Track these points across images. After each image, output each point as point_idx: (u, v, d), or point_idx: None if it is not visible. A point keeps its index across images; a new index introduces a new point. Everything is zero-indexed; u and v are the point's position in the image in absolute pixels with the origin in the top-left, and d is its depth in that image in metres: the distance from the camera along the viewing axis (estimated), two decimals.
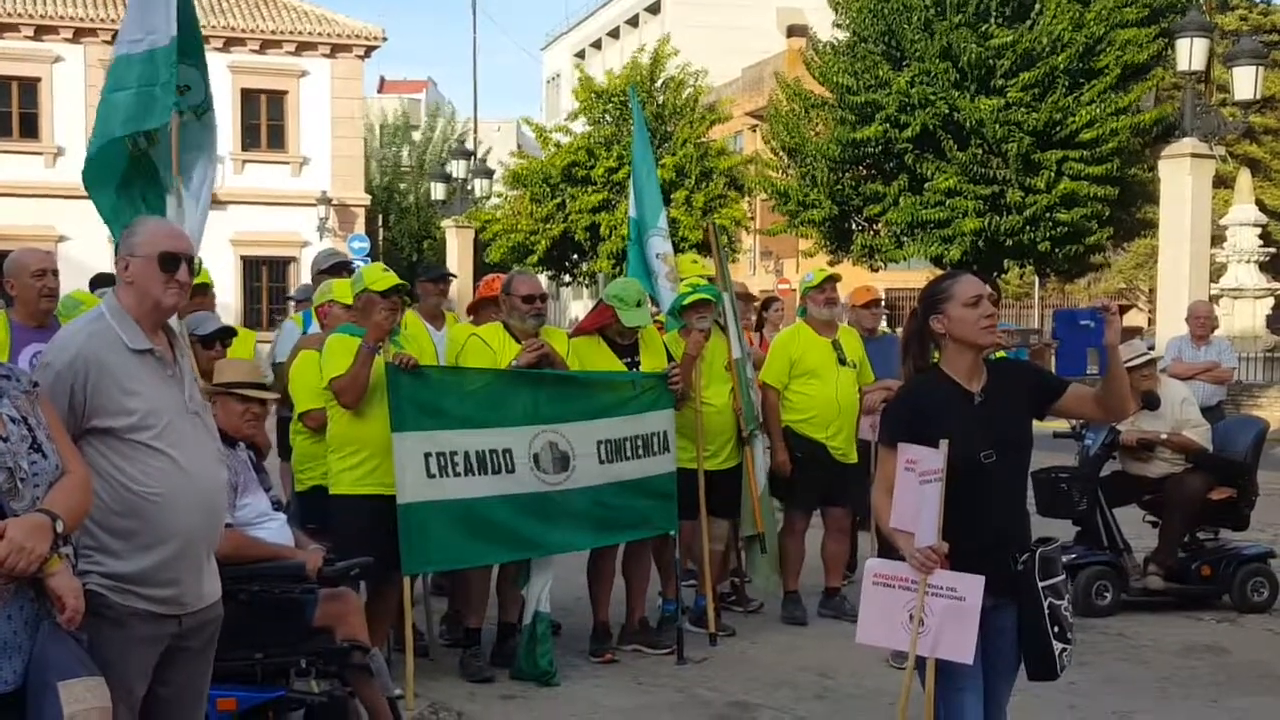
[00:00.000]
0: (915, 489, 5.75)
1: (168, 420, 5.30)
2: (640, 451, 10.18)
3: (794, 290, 49.96)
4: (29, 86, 45.49)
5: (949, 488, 5.73)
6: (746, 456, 11.08)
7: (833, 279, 11.66)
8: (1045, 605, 5.93)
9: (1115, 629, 11.15)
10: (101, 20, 45.36)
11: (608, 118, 41.88)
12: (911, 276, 39.16)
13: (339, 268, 12.09)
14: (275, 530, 7.56)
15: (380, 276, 9.19)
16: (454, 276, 12.87)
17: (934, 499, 5.72)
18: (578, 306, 66.28)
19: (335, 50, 47.95)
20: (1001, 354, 6.22)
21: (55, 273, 8.77)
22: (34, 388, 4.90)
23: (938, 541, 5.75)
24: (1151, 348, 13.98)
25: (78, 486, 4.82)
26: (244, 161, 46.03)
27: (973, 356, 6.02)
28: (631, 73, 41.59)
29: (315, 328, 10.92)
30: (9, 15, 44.64)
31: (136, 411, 5.23)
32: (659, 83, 41.95)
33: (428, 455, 9.16)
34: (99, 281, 12.29)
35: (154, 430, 5.25)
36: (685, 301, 10.68)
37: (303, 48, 47.25)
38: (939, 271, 38.00)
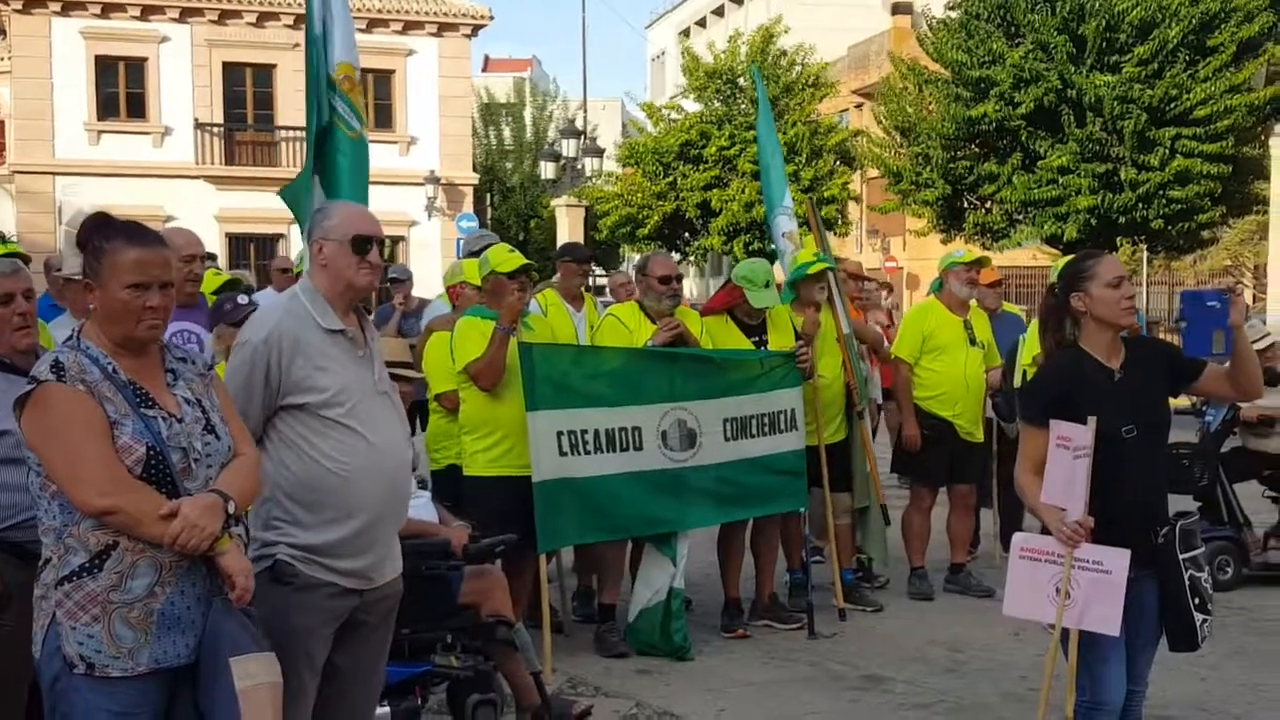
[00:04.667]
0: (1067, 465, 5.82)
1: (358, 398, 5.45)
2: (767, 429, 10.27)
3: (900, 269, 49.77)
4: (136, 66, 45.10)
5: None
6: (862, 430, 11.17)
7: (981, 261, 11.80)
8: (1186, 577, 6.04)
9: (1238, 603, 11.14)
10: (207, 0, 45.60)
11: (718, 97, 41.69)
12: (1019, 255, 38.95)
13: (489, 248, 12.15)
14: (421, 508, 7.69)
15: (506, 258, 9.29)
16: (595, 257, 12.93)
17: (1083, 475, 5.80)
18: (690, 284, 66.16)
19: (442, 29, 47.83)
20: None
21: (201, 257, 8.88)
22: (209, 371, 5.02)
23: (1084, 516, 5.83)
24: (1263, 324, 13.93)
25: (249, 468, 4.93)
26: None
27: (1112, 335, 6.13)
28: (734, 51, 41.37)
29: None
30: None
31: (329, 389, 5.38)
32: (769, 60, 41.69)
33: (560, 434, 9.28)
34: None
35: (345, 407, 5.39)
36: (810, 270, 10.73)
37: (410, 27, 47.18)
38: (1048, 250, 37.85)
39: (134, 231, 4.84)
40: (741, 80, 40.51)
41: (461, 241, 13.77)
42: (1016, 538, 6.23)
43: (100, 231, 4.78)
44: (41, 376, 4.61)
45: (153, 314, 4.72)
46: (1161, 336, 24.60)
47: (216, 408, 4.93)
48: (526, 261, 9.26)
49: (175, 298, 4.92)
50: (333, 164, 8.84)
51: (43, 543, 4.71)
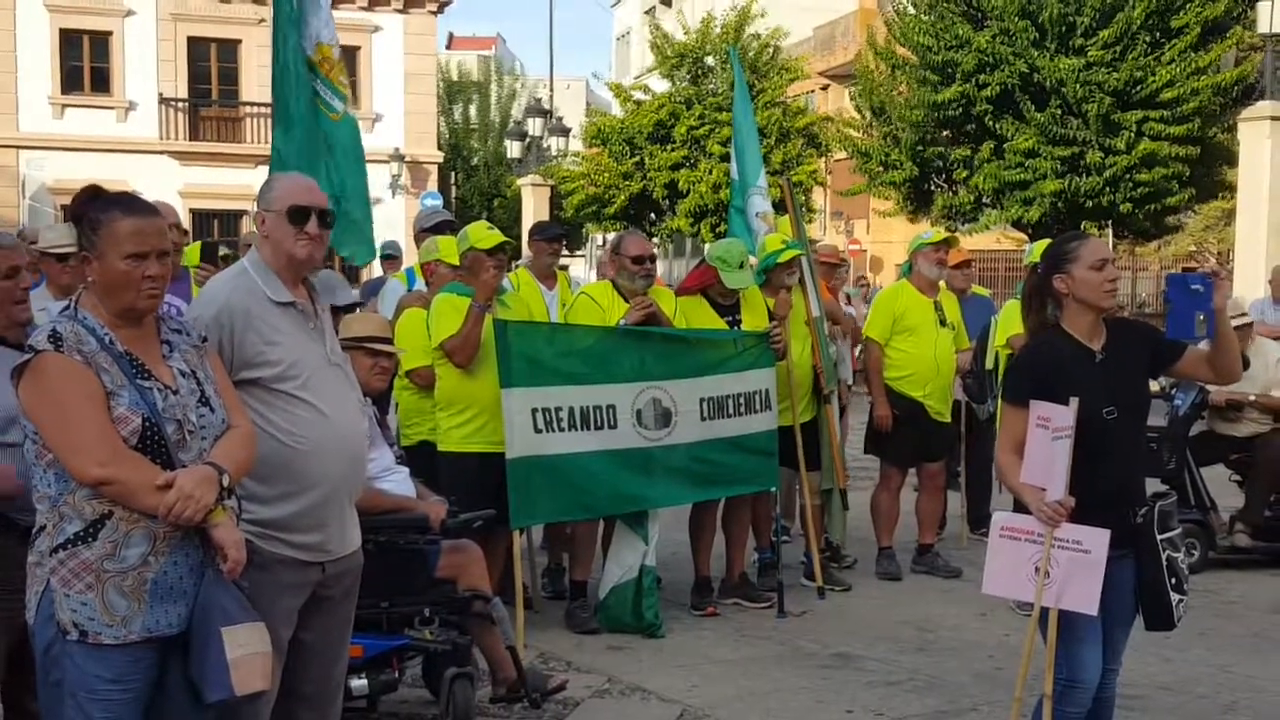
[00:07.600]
0: (1047, 445, 5.89)
1: (311, 371, 5.44)
2: (742, 409, 10.34)
3: (864, 251, 49.66)
4: (100, 40, 44.68)
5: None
6: (827, 412, 11.23)
7: (949, 242, 11.86)
8: (1164, 558, 6.11)
9: (1203, 586, 11.17)
10: None
11: (687, 77, 41.44)
12: (983, 239, 38.99)
13: (442, 226, 12.20)
14: (399, 483, 7.74)
15: (485, 235, 9.34)
16: (567, 236, 12.95)
17: (1064, 455, 5.86)
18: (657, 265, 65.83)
19: (408, 5, 47.73)
20: None
21: (179, 227, 8.92)
22: (203, 342, 5.04)
23: (1065, 496, 5.90)
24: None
25: (243, 441, 4.96)
26: None
27: (1093, 317, 6.17)
28: (705, 31, 41.18)
29: (419, 285, 11.05)
30: None
31: (281, 362, 5.37)
32: (742, 41, 41.41)
33: (535, 411, 9.34)
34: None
35: (298, 380, 5.39)
36: (781, 259, 10.81)
37: (375, 3, 46.82)
38: (1012, 234, 37.79)
39: (129, 202, 4.89)
40: (709, 60, 40.30)
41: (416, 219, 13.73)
42: (997, 517, 6.28)
43: (94, 204, 4.82)
44: (39, 346, 4.64)
45: (151, 283, 4.74)
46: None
47: (211, 380, 4.96)
48: (505, 239, 9.32)
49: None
50: (321, 148, 8.89)
51: (38, 510, 4.72)
